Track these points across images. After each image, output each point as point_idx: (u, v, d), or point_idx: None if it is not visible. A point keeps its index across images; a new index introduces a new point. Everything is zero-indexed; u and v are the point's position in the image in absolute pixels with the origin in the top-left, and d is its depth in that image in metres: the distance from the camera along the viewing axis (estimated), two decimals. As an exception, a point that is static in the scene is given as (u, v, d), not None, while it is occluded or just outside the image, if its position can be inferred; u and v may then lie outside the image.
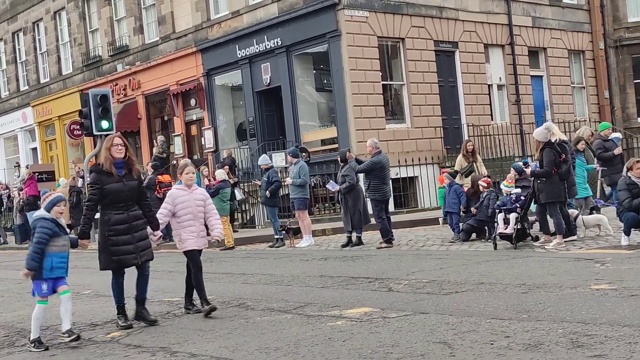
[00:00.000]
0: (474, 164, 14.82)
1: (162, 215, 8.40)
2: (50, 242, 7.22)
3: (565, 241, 11.64)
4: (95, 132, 21.24)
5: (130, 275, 8.14)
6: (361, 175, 15.06)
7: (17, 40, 35.32)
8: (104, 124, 21.09)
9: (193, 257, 8.42)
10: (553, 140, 11.89)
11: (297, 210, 15.64)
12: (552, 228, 11.90)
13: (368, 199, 14.53)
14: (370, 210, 15.25)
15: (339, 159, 14.93)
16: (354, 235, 14.51)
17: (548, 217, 11.83)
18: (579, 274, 8.75)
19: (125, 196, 7.87)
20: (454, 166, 20.13)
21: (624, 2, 27.98)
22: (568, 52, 26.63)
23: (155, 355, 6.51)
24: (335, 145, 20.84)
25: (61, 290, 7.27)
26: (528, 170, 12.35)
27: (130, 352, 6.72)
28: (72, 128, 28.15)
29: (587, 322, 6.19)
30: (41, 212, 7.33)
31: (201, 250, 8.54)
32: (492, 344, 5.77)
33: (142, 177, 8.56)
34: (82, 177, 23.12)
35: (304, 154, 18.76)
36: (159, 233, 8.45)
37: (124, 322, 7.97)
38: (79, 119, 22.90)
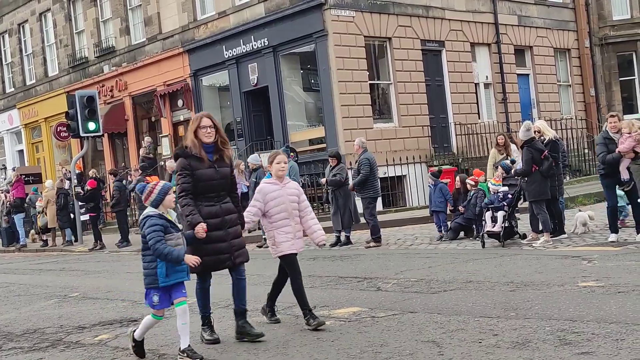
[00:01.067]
0: (508, 157, 14.73)
1: (250, 214, 7.11)
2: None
3: (554, 239, 11.70)
4: (82, 134, 21.19)
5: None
6: (350, 175, 15.14)
7: (2, 42, 35.12)
8: (91, 125, 21.05)
9: (290, 263, 7.13)
10: (545, 139, 12.02)
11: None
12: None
13: (359, 198, 14.53)
14: (360, 210, 15.28)
15: (334, 160, 14.86)
16: (343, 234, 14.53)
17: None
18: (566, 272, 8.79)
19: (217, 185, 6.69)
20: (441, 165, 20.26)
21: (609, 1, 28.13)
22: (554, 50, 26.73)
23: (143, 357, 6.49)
24: (323, 145, 20.84)
25: (177, 302, 6.14)
26: (512, 171, 12.45)
27: (119, 355, 6.70)
28: (58, 130, 28.04)
29: (575, 320, 6.22)
30: (148, 210, 6.17)
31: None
32: (480, 342, 5.79)
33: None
34: (69, 179, 23.03)
35: (292, 153, 18.74)
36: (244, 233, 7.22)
37: (210, 335, 6.83)
38: (66, 120, 22.82)
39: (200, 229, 6.33)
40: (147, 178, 19.87)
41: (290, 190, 7.25)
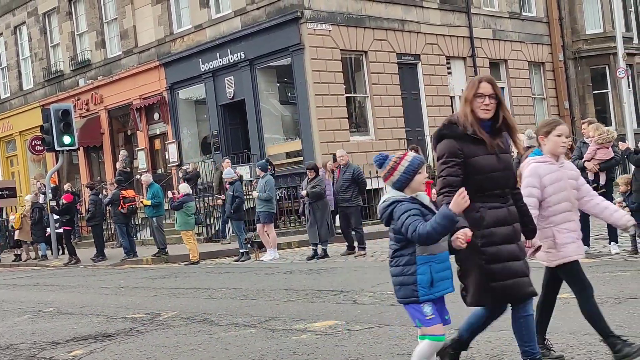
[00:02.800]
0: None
1: (530, 206, 4.99)
2: None
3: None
4: (57, 148, 21.03)
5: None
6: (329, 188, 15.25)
7: (-24, 55, 34.83)
8: (66, 139, 20.91)
9: (576, 273, 5.34)
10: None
11: (263, 224, 15.60)
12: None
13: (350, 209, 14.50)
14: (336, 223, 15.34)
15: (312, 172, 14.89)
16: (320, 247, 14.53)
17: None
18: (541, 283, 8.83)
19: (501, 178, 4.69)
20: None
21: (582, 15, 28.53)
22: (528, 63, 27.03)
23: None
24: (300, 158, 20.86)
25: (431, 332, 4.47)
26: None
27: (93, 371, 6.62)
28: (33, 144, 27.81)
29: (549, 332, 6.24)
30: (393, 194, 4.39)
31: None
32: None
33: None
34: (44, 193, 22.83)
35: (269, 166, 18.73)
36: (537, 242, 5.12)
37: None
38: (41, 134, 22.65)
39: (463, 236, 4.24)
40: (123, 192, 19.65)
41: (570, 172, 5.29)
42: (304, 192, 14.59)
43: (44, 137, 21.61)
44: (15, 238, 22.21)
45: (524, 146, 11.84)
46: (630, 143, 17.93)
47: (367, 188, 17.50)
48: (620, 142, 11.28)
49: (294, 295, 9.83)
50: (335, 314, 8.10)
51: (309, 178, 14.84)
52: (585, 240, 11.11)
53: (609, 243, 10.92)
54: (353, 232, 14.60)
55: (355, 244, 14.51)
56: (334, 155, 16.57)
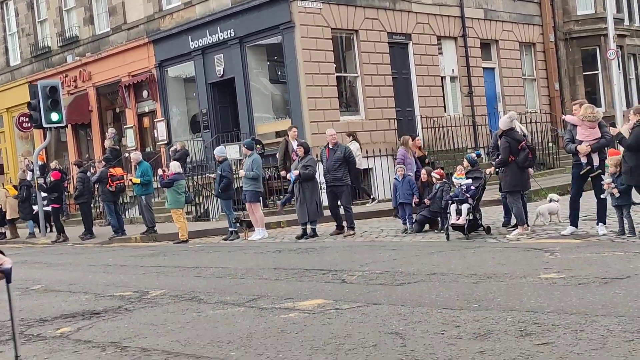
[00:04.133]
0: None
1: None
2: None
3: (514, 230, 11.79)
4: (44, 125, 20.88)
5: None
6: (321, 169, 15.25)
7: (-37, 30, 34.44)
8: (54, 116, 20.76)
9: None
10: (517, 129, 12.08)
11: (249, 203, 15.58)
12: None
13: (341, 189, 14.53)
14: (324, 203, 15.33)
15: (301, 150, 14.86)
16: (309, 227, 14.53)
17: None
18: (528, 264, 8.89)
19: None
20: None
21: (573, -5, 28.46)
22: (519, 44, 26.98)
23: (105, 350, 6.43)
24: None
25: None
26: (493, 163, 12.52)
27: (80, 348, 6.62)
28: (20, 120, 27.62)
29: (536, 311, 6.29)
30: None
31: None
32: (442, 333, 5.83)
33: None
34: (32, 170, 22.70)
35: (258, 146, 18.68)
36: None
37: None
38: (28, 111, 22.48)
39: None
40: (111, 170, 19.53)
41: None
42: (295, 172, 14.55)
43: (31, 114, 21.44)
44: (8, 218, 22.03)
45: (502, 128, 11.88)
46: (619, 125, 17.98)
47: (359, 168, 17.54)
48: (610, 127, 11.29)
49: (283, 274, 9.84)
50: (324, 293, 8.11)
51: (299, 156, 14.80)
52: (574, 221, 11.18)
53: (597, 224, 10.96)
54: (343, 212, 14.60)
55: (344, 223, 14.51)
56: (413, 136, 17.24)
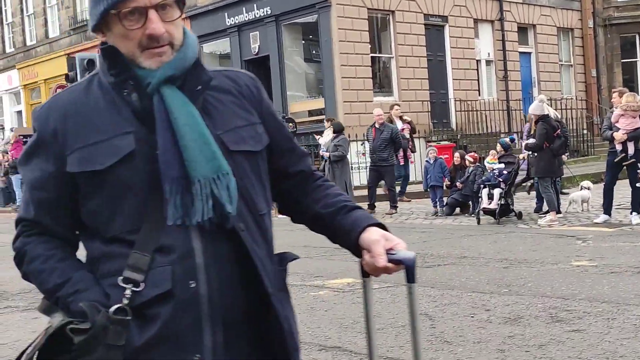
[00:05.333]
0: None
1: None
2: None
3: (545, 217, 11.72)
4: (81, 97, 21.11)
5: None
6: (353, 150, 15.29)
7: (3, 1, 34.81)
8: (90, 88, 20.96)
9: None
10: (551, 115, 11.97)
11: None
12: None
13: (386, 169, 14.58)
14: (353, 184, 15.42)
15: (332, 129, 14.92)
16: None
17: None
18: (560, 250, 8.85)
19: None
20: (440, 140, 20.25)
21: (614, -19, 27.97)
22: (557, 29, 26.60)
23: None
24: (323, 117, 20.79)
25: None
26: (524, 143, 12.40)
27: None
28: (58, 92, 27.90)
29: (567, 298, 6.28)
30: None
31: None
32: (472, 316, 5.85)
33: None
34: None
35: (290, 124, 18.70)
36: None
37: None
38: (65, 83, 22.72)
39: None
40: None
41: None
42: (326, 154, 14.58)
43: (68, 86, 21.69)
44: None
45: (536, 114, 11.74)
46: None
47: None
48: None
49: (313, 252, 9.90)
50: (353, 272, 8.10)
51: (332, 137, 14.85)
52: (607, 209, 11.08)
53: (631, 213, 10.86)
54: (386, 191, 14.65)
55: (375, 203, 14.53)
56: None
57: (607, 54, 27.92)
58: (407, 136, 16.64)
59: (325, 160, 14.73)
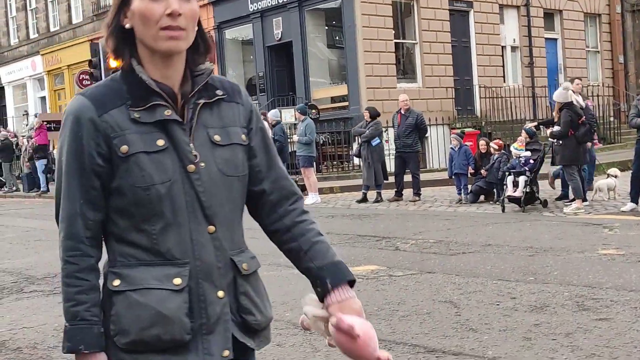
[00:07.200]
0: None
1: None
2: None
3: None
4: (104, 83, 21.20)
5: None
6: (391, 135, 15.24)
7: (27, -13, 35.04)
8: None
9: None
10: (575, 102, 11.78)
11: (302, 168, 15.66)
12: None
13: (410, 155, 14.59)
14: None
15: (367, 114, 14.93)
16: (375, 191, 14.58)
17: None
18: (586, 239, 8.74)
19: None
20: (464, 127, 20.08)
21: (643, -34, 27.50)
22: (584, 15, 26.24)
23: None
24: (346, 103, 20.72)
25: None
26: (549, 131, 12.23)
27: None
28: (81, 78, 27.97)
29: (594, 286, 6.20)
30: None
31: None
32: (498, 304, 5.79)
33: None
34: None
35: (313, 110, 18.67)
36: None
37: None
38: (89, 69, 22.82)
39: None
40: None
41: None
42: (365, 132, 14.66)
43: (91, 72, 21.78)
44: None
45: (560, 101, 11.55)
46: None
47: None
48: None
49: (336, 239, 9.87)
50: (378, 259, 8.12)
51: (366, 121, 14.86)
52: (635, 197, 10.93)
53: (658, 201, 10.72)
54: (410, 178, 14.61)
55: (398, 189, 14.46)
56: None
57: (635, 39, 27.52)
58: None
59: (360, 145, 14.80)
